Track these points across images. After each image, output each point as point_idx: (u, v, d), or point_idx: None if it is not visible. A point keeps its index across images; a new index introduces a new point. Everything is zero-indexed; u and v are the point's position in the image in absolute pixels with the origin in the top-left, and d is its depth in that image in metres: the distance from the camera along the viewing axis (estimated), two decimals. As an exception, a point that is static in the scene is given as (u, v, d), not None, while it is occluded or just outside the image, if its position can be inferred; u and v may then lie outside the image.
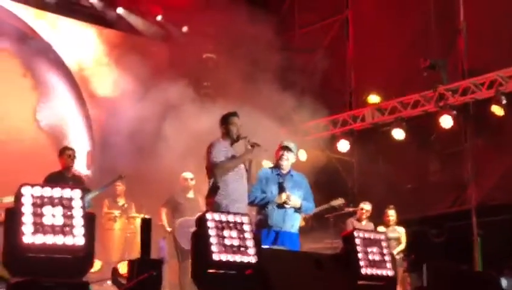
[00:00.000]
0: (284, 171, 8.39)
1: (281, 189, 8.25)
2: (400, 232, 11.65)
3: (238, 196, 7.75)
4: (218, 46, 14.19)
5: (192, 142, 11.63)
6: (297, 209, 8.29)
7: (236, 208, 7.49)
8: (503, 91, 11.74)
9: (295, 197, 8.24)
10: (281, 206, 8.17)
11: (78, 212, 5.10)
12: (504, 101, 11.65)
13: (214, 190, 7.75)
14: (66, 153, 9.82)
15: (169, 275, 10.92)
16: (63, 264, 4.99)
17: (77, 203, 5.13)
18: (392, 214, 11.79)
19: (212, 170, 7.75)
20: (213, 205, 7.65)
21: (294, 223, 8.30)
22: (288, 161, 8.42)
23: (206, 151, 7.85)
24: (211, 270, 5.75)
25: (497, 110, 11.72)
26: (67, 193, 5.14)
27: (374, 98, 13.71)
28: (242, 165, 7.90)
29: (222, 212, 6.12)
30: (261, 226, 8.08)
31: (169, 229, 10.85)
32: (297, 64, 14.18)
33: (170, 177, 11.61)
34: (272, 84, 12.80)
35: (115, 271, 8.51)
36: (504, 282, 7.40)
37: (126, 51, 14.07)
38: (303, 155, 13.24)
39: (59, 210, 5.05)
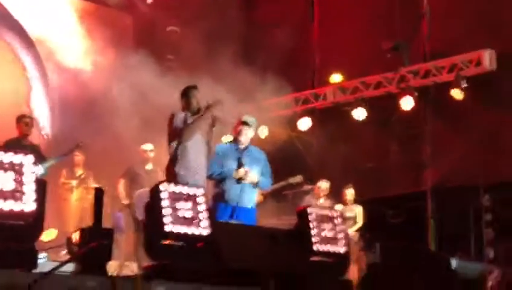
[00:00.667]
0: (243, 146, 8.39)
1: (239, 164, 8.25)
2: (357, 211, 11.72)
3: (197, 168, 7.84)
4: (182, 19, 14.09)
5: (154, 114, 11.58)
6: (255, 185, 8.31)
7: (194, 179, 7.58)
8: (463, 75, 11.86)
9: (253, 173, 8.25)
10: (238, 181, 8.18)
11: (29, 178, 5.06)
12: (464, 85, 11.78)
13: (173, 160, 7.87)
14: (23, 121, 9.74)
15: (126, 245, 10.90)
16: (13, 229, 4.96)
17: (28, 169, 5.09)
18: (350, 193, 11.86)
19: (174, 136, 7.80)
20: (171, 174, 7.78)
21: (251, 198, 8.32)
22: (246, 136, 8.42)
23: (168, 120, 7.98)
24: (163, 242, 5.76)
25: (457, 94, 11.85)
26: (18, 158, 5.09)
27: (336, 78, 13.74)
28: (201, 138, 7.94)
29: (176, 183, 6.11)
30: (218, 200, 8.08)
31: (125, 201, 10.81)
32: (261, 41, 14.15)
33: (130, 148, 11.57)
34: (235, 60, 12.75)
35: (69, 240, 8.49)
36: (454, 262, 7.51)
37: (91, 20, 13.93)
38: (264, 132, 13.25)
39: (10, 175, 5.01)
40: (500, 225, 11.32)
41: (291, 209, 11.26)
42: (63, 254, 9.24)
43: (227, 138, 9.33)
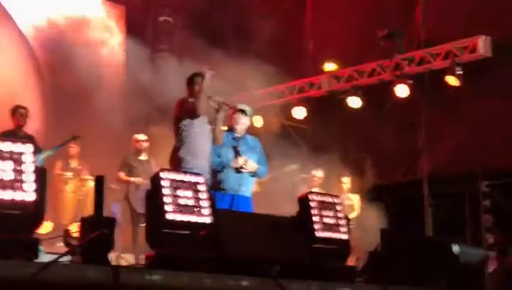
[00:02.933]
0: (239, 135, 8.32)
1: (236, 153, 8.17)
2: (354, 199, 11.68)
3: (202, 154, 7.79)
4: (175, 9, 13.98)
5: (146, 104, 11.51)
6: (253, 174, 8.25)
7: (198, 165, 7.57)
8: (458, 62, 11.80)
9: (252, 162, 8.18)
10: (237, 170, 8.10)
11: (28, 167, 4.97)
12: (459, 72, 11.72)
13: (179, 145, 7.81)
14: (18, 112, 9.67)
15: (122, 239, 10.81)
16: (13, 219, 4.87)
17: (28, 158, 4.99)
18: (346, 181, 11.81)
19: (182, 119, 7.80)
20: (176, 159, 7.72)
21: (249, 187, 8.27)
22: (243, 124, 8.35)
23: (176, 105, 7.93)
24: (165, 230, 5.67)
25: (452, 80, 11.79)
26: (17, 147, 5.01)
27: (330, 66, 13.67)
28: (208, 125, 7.88)
29: (178, 171, 6.04)
30: (216, 189, 7.99)
31: (134, 179, 10.70)
32: (254, 29, 14.03)
33: (122, 140, 11.48)
34: (228, 49, 12.67)
35: (66, 232, 8.43)
36: (456, 248, 7.46)
37: (85, 11, 13.82)
38: (258, 121, 13.19)
39: (9, 165, 4.92)
40: (498, 211, 11.33)
41: (286, 198, 11.25)
42: (59, 246, 9.18)
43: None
